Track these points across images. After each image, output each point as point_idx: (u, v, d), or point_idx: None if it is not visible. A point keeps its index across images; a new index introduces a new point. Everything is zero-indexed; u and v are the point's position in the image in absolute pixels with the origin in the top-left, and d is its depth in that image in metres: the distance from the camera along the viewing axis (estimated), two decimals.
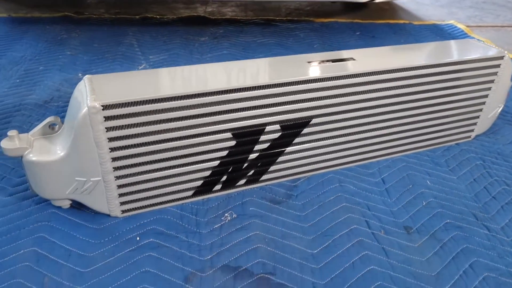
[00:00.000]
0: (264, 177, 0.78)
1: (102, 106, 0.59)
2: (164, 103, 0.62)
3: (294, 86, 0.70)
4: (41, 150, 0.63)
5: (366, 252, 0.65)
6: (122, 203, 0.69)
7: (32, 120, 0.96)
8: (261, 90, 0.68)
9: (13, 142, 0.63)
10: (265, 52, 1.42)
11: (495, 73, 0.89)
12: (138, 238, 0.66)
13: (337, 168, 0.84)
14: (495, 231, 0.71)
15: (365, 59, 0.79)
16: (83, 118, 0.59)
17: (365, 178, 0.83)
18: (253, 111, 0.69)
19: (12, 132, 0.62)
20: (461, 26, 1.77)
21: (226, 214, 0.71)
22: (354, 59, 0.78)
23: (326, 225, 0.70)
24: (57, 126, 0.67)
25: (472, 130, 0.96)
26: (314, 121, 0.75)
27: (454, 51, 0.87)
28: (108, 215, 0.69)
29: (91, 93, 0.61)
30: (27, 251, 0.62)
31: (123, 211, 0.69)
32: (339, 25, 1.74)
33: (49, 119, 0.66)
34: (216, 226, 0.69)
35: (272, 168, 0.77)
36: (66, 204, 0.69)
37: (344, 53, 0.81)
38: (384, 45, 1.17)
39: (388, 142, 0.86)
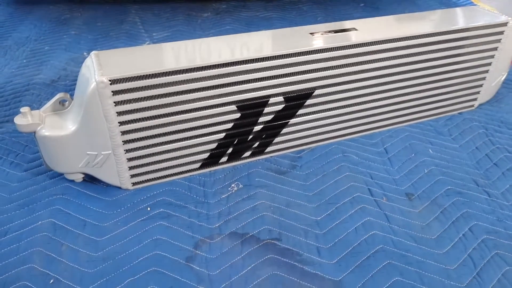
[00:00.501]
0: (269, 148, 0.80)
1: (110, 80, 0.60)
2: (170, 77, 0.64)
3: (296, 58, 0.71)
4: (53, 126, 0.66)
5: (369, 218, 0.68)
6: (133, 176, 0.71)
7: (41, 99, 0.98)
8: (264, 62, 0.69)
9: (26, 118, 0.65)
10: (268, 26, 1.41)
11: (499, 40, 0.89)
12: (148, 209, 0.68)
13: (341, 139, 0.86)
14: (495, 196, 0.73)
15: (367, 29, 0.79)
16: (92, 93, 0.61)
17: (368, 148, 0.84)
18: (257, 83, 0.70)
19: (24, 109, 0.65)
20: None
21: (233, 185, 0.74)
22: (356, 29, 0.79)
23: (330, 194, 0.73)
24: (67, 102, 0.69)
25: (475, 99, 0.97)
26: (317, 92, 0.77)
27: (457, 18, 0.87)
28: (120, 188, 0.72)
29: (99, 68, 0.62)
30: (45, 222, 0.65)
31: (134, 184, 0.72)
32: None
33: (59, 96, 0.68)
34: (223, 196, 0.72)
35: (276, 139, 0.79)
36: (79, 177, 0.72)
37: (347, 24, 0.81)
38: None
39: (391, 112, 0.88)
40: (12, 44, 1.25)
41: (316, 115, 0.80)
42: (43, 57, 1.18)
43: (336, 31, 0.78)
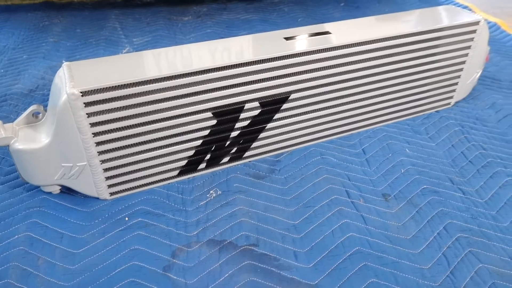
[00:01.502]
0: (247, 153, 0.80)
1: (81, 92, 0.60)
2: (142, 86, 0.64)
3: (269, 63, 0.71)
4: (27, 139, 0.65)
5: (346, 220, 0.69)
6: (110, 186, 0.71)
7: (18, 109, 0.97)
8: (239, 68, 0.69)
9: None
10: (249, 29, 1.41)
11: (472, 39, 0.90)
12: (127, 219, 0.68)
13: (319, 141, 0.87)
14: (469, 193, 0.74)
15: (341, 32, 0.80)
16: (64, 105, 0.61)
17: (346, 150, 0.85)
18: (231, 89, 0.71)
19: None
20: None
21: (211, 191, 0.74)
22: (330, 33, 0.79)
23: (307, 197, 0.73)
24: (41, 114, 0.69)
25: (452, 97, 0.98)
26: (292, 96, 0.77)
27: (432, 18, 0.88)
28: (97, 198, 0.72)
29: (70, 80, 0.62)
30: (21, 236, 0.65)
31: (111, 194, 0.72)
32: None
33: (32, 108, 0.68)
34: (202, 203, 0.72)
35: (254, 144, 0.80)
36: (56, 189, 0.71)
37: (321, 27, 0.82)
38: (368, 15, 1.17)
39: (368, 113, 0.88)
40: None
41: (293, 118, 0.80)
42: (21, 66, 1.17)
43: (310, 35, 0.78)
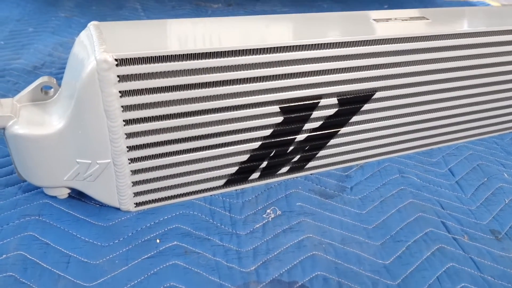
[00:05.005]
0: (311, 164, 0.63)
1: (117, 60, 0.42)
2: (201, 61, 0.46)
3: (359, 48, 0.54)
4: (31, 121, 0.47)
5: (452, 264, 0.51)
6: (137, 194, 0.53)
7: (19, 88, 0.79)
8: (319, 51, 0.52)
9: None
10: None
11: None
12: (158, 241, 0.50)
13: (394, 155, 0.70)
14: None
15: (440, 20, 0.63)
16: (90, 76, 0.43)
17: (429, 168, 0.68)
18: (309, 78, 0.53)
19: None
20: None
21: (268, 210, 0.56)
22: (427, 19, 0.63)
23: (394, 227, 0.56)
24: (53, 90, 0.51)
25: None
26: (377, 95, 0.60)
27: None
28: (118, 209, 0.54)
29: (100, 43, 0.44)
30: (11, 256, 0.46)
31: (137, 204, 0.54)
32: None
33: (42, 80, 0.49)
34: (257, 225, 0.54)
35: (321, 153, 0.62)
36: (63, 193, 0.53)
37: (413, 12, 0.65)
38: None
39: (454, 125, 0.71)
40: None
41: (373, 124, 0.63)
42: (25, 40, 0.99)
43: (404, 19, 0.62)
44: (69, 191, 0.53)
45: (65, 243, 0.49)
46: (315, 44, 0.51)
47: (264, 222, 0.54)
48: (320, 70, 0.54)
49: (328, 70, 0.54)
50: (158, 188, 0.54)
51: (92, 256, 0.48)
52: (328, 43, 0.52)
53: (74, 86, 0.45)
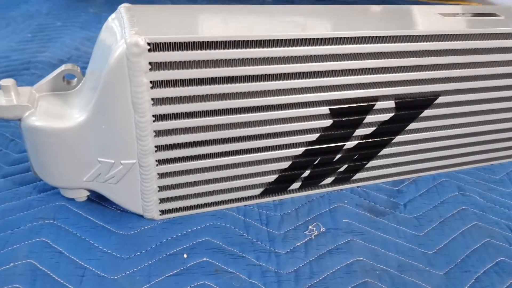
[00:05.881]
0: (358, 175, 0.55)
1: (149, 44, 0.37)
2: (246, 50, 0.40)
3: (424, 44, 0.47)
4: (49, 112, 0.42)
5: None
6: (163, 200, 0.47)
7: None
8: (380, 45, 0.45)
9: (8, 97, 0.41)
10: None
11: None
12: (185, 256, 0.44)
13: (450, 170, 0.61)
14: None
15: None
16: (117, 62, 0.37)
17: (492, 187, 0.59)
18: (365, 76, 0.46)
19: (6, 81, 0.41)
20: None
21: (311, 226, 0.49)
22: (499, 15, 0.55)
23: (459, 254, 0.47)
24: (76, 79, 0.46)
25: None
26: (440, 99, 0.52)
27: None
28: (141, 216, 0.48)
29: (131, 25, 0.38)
30: (19, 265, 0.41)
31: (163, 212, 0.48)
32: None
33: (64, 67, 0.44)
34: (299, 243, 0.47)
35: (371, 163, 0.55)
36: (82, 195, 0.47)
37: (481, 8, 0.58)
38: None
39: None
40: (17, 16, 1.03)
41: (431, 133, 0.55)
42: (53, 33, 0.95)
43: (474, 15, 0.54)
44: (88, 193, 0.48)
45: (81, 253, 0.43)
46: (376, 36, 0.44)
47: (306, 239, 0.47)
48: (378, 68, 0.46)
49: (388, 68, 0.47)
50: (187, 195, 0.47)
51: (110, 269, 0.41)
52: (391, 36, 0.45)
53: (100, 75, 0.39)
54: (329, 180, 0.54)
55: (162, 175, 0.45)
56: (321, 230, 0.49)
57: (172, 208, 0.48)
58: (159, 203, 0.47)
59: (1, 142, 0.58)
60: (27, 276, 0.40)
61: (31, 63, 0.81)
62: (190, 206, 0.49)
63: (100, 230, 0.45)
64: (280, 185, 0.51)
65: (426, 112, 0.53)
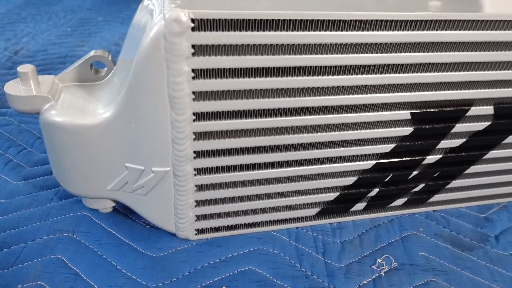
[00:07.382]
0: (436, 197, 0.45)
1: (193, 21, 0.29)
2: (311, 33, 0.31)
3: None
4: (72, 105, 0.35)
5: None
6: (200, 218, 0.39)
7: None
8: (482, 32, 0.35)
9: (26, 86, 0.35)
10: None
11: None
12: None
13: None
14: None
15: None
16: (153, 44, 0.29)
17: None
18: (457, 73, 0.36)
19: (25, 68, 0.34)
20: None
21: (379, 260, 0.39)
22: None
23: None
24: (106, 69, 0.39)
25: None
26: None
27: None
28: (174, 235, 0.40)
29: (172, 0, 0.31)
30: (29, 287, 0.34)
31: (199, 231, 0.40)
32: None
33: (93, 53, 0.37)
34: (365, 281, 0.37)
35: (453, 183, 0.44)
36: (107, 207, 0.40)
37: None
38: None
39: None
40: (59, 10, 1.00)
41: None
42: (93, 28, 0.91)
43: None
44: (113, 204, 0.41)
45: (100, 277, 0.35)
46: (485, 20, 0.34)
47: (374, 276, 0.38)
48: (477, 62, 0.36)
49: (490, 63, 0.37)
50: (229, 212, 0.39)
51: None
52: (503, 21, 0.35)
53: (131, 62, 0.32)
54: (400, 201, 0.44)
55: (200, 187, 0.37)
56: (393, 265, 0.39)
57: (211, 227, 0.40)
58: (195, 220, 0.39)
59: (27, 140, 0.53)
60: None
61: (68, 57, 0.76)
62: (232, 225, 0.40)
63: (124, 250, 0.38)
64: (341, 204, 0.42)
65: None
